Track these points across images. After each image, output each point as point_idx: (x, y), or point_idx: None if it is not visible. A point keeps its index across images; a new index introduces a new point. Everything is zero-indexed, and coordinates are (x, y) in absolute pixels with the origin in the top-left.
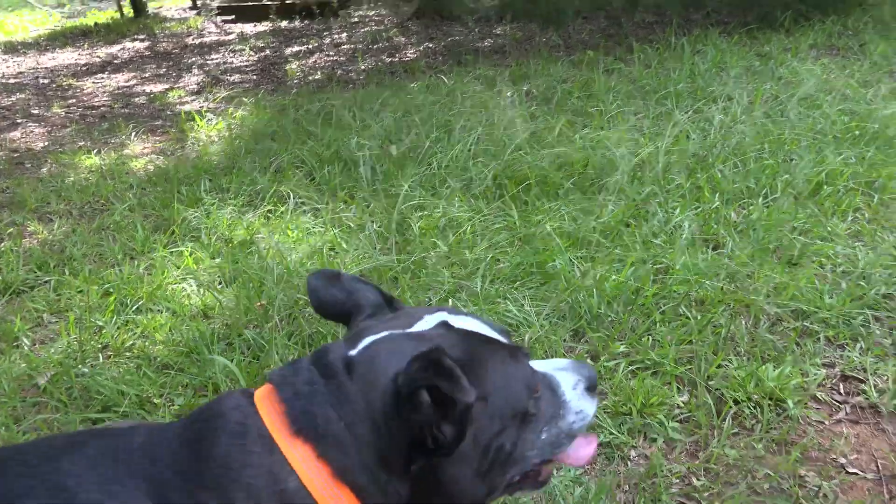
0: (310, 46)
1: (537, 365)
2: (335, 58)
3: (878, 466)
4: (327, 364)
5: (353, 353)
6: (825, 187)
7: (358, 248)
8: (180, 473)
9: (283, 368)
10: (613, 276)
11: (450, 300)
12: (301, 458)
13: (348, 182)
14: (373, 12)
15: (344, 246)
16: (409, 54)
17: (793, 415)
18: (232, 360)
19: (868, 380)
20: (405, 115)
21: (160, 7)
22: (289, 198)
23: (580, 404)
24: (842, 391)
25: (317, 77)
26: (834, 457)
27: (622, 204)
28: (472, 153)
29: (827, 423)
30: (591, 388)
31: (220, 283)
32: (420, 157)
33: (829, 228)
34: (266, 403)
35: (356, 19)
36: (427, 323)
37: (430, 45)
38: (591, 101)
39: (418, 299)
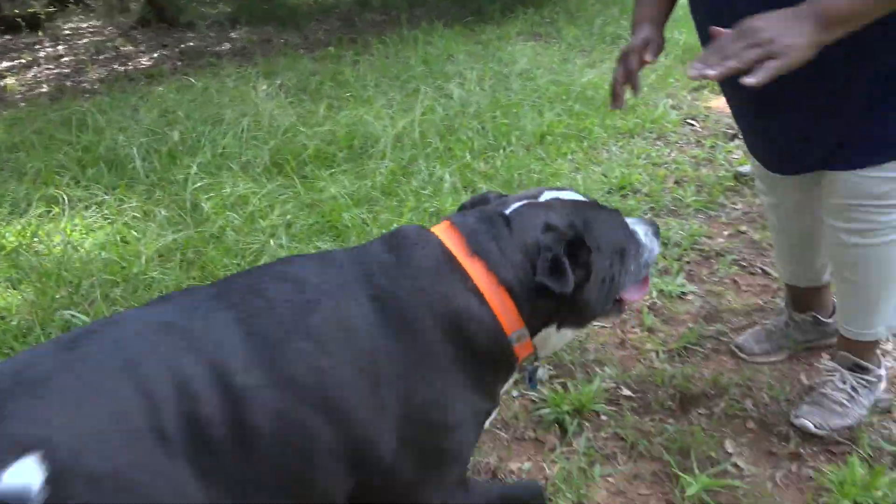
0: (23, 61)
1: None
2: (59, 70)
3: None
4: (490, 217)
5: (506, 212)
6: (547, 137)
7: (152, 231)
8: (391, 279)
9: (457, 216)
10: (395, 223)
11: (259, 260)
12: (476, 270)
13: (123, 178)
14: (86, 24)
15: (135, 234)
16: (143, 62)
17: None
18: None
19: None
20: (163, 115)
21: None
22: (63, 200)
23: (651, 245)
24: None
25: (44, 90)
26: None
27: (391, 165)
28: (244, 139)
29: None
30: (655, 234)
31: (7, 288)
32: (193, 148)
33: (554, 167)
34: (447, 234)
35: (69, 31)
36: (545, 196)
37: (165, 52)
38: (343, 89)
39: (224, 264)
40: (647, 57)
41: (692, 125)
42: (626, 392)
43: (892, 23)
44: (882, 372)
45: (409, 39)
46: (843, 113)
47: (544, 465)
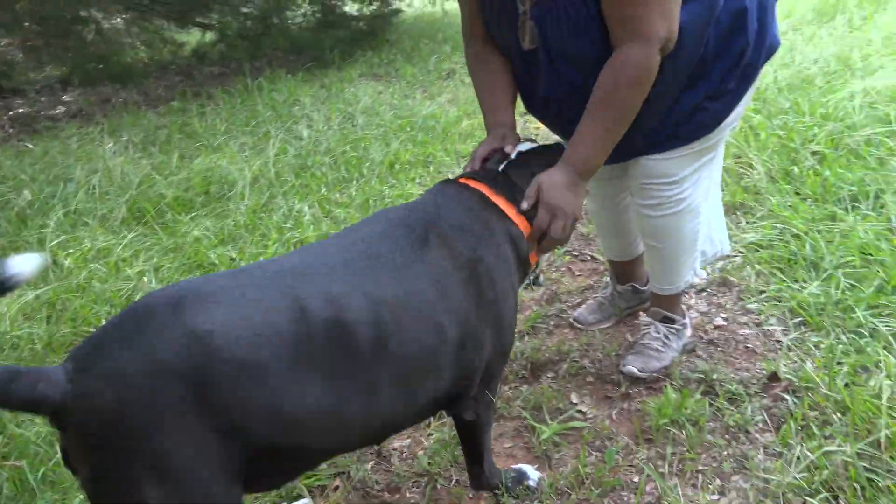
0: None
1: None
2: None
3: None
4: (493, 173)
5: (500, 169)
6: (395, 165)
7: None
8: (447, 221)
9: (469, 175)
10: (262, 255)
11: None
12: (504, 206)
13: None
14: None
15: None
16: None
17: None
18: None
19: None
20: (2, 182)
21: None
22: None
23: None
24: None
25: None
26: None
27: (251, 204)
28: (97, 195)
29: None
30: None
31: None
32: (44, 208)
33: (405, 190)
34: (473, 184)
35: None
36: (524, 146)
37: None
38: (193, 139)
39: (94, 312)
40: (508, 150)
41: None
42: None
43: (679, 66)
44: (686, 321)
45: (254, 88)
46: (642, 124)
47: (422, 438)
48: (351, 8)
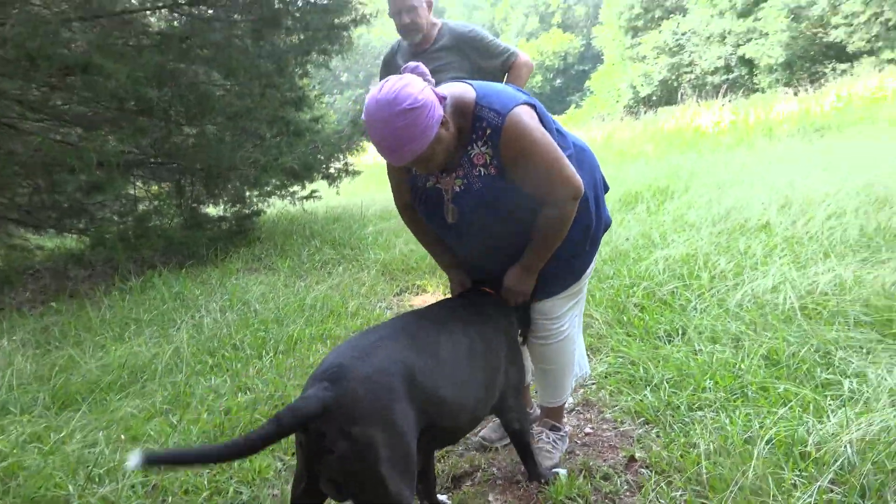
0: None
1: None
2: None
3: None
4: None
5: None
6: (298, 342)
7: None
8: (488, 306)
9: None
10: (196, 423)
11: None
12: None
13: None
14: None
15: None
16: None
17: None
18: None
19: None
20: None
21: None
22: None
23: None
24: None
25: None
26: None
27: (177, 380)
28: (13, 386)
29: None
30: None
31: None
32: None
33: (307, 363)
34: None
35: None
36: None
37: None
38: (92, 333)
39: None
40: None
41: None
42: None
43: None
44: (567, 431)
45: (138, 287)
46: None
47: None
48: (213, 211)
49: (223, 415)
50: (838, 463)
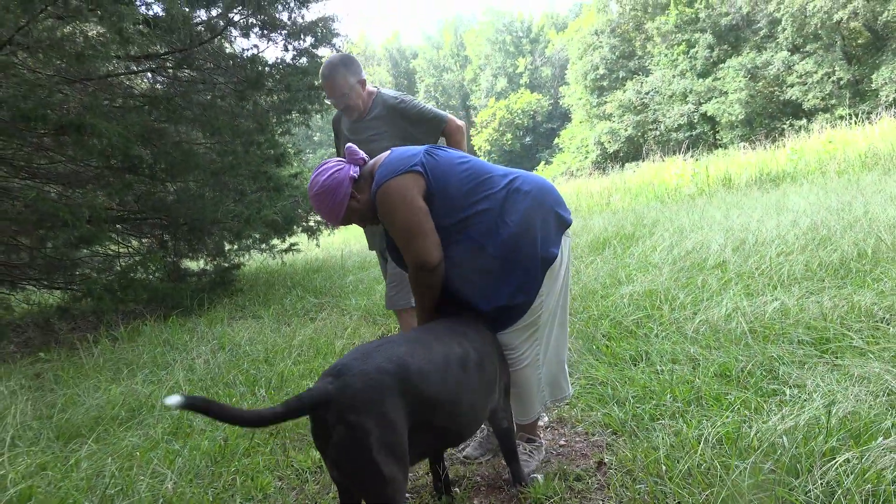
0: None
1: None
2: None
3: None
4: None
5: None
6: (288, 382)
7: None
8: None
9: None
10: (197, 450)
11: None
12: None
13: None
14: None
15: None
16: None
17: None
18: None
19: None
20: None
21: None
22: None
23: None
24: None
25: None
26: None
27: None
28: (17, 424)
29: None
30: None
31: None
32: None
33: None
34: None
35: None
36: None
37: None
38: (84, 378)
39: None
40: None
41: None
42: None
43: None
44: (542, 442)
45: (124, 337)
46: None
47: None
48: (193, 265)
49: (223, 442)
50: (775, 450)
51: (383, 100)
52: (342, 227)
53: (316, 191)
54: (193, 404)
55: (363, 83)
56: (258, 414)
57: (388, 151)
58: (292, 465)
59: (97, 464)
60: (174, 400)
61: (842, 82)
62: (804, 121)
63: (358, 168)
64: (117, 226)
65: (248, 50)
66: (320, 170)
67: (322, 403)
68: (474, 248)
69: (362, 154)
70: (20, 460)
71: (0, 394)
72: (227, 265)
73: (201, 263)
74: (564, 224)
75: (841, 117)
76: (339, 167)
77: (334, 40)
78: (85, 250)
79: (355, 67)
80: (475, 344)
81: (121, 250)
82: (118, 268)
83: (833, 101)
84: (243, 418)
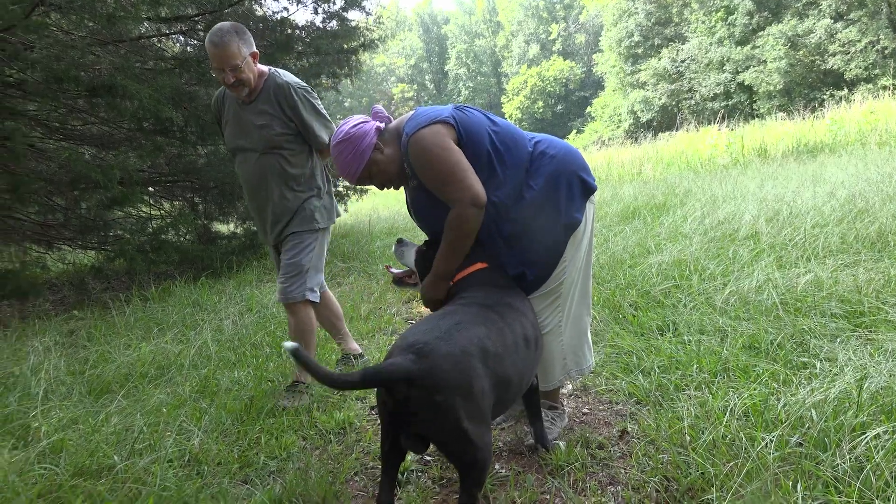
0: None
1: None
2: None
3: None
4: None
5: None
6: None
7: None
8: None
9: None
10: (223, 408)
11: None
12: None
13: None
14: None
15: None
16: None
17: None
18: None
19: None
20: None
21: None
22: None
23: None
24: None
25: None
26: None
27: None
28: (50, 378)
29: None
30: None
31: None
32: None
33: (327, 357)
34: None
35: None
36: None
37: None
38: (116, 336)
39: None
40: None
41: (412, 322)
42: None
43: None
44: (564, 409)
45: (155, 297)
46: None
47: None
48: (222, 228)
49: (249, 401)
50: (802, 423)
51: (274, 82)
52: (361, 187)
53: (340, 138)
54: (299, 355)
55: (255, 56)
56: (329, 376)
57: (413, 110)
58: (316, 426)
59: (126, 419)
60: (290, 345)
61: (886, 51)
62: (845, 91)
63: (384, 125)
64: (149, 188)
65: (277, 13)
66: (346, 121)
67: (403, 380)
68: (500, 208)
69: (387, 114)
70: (53, 413)
71: (35, 349)
72: (255, 228)
73: (231, 226)
74: (589, 190)
75: (884, 87)
76: (365, 119)
77: (364, 3)
78: (118, 212)
79: (248, 38)
80: (532, 320)
81: (153, 212)
82: (150, 229)
83: (877, 71)
84: (329, 378)
